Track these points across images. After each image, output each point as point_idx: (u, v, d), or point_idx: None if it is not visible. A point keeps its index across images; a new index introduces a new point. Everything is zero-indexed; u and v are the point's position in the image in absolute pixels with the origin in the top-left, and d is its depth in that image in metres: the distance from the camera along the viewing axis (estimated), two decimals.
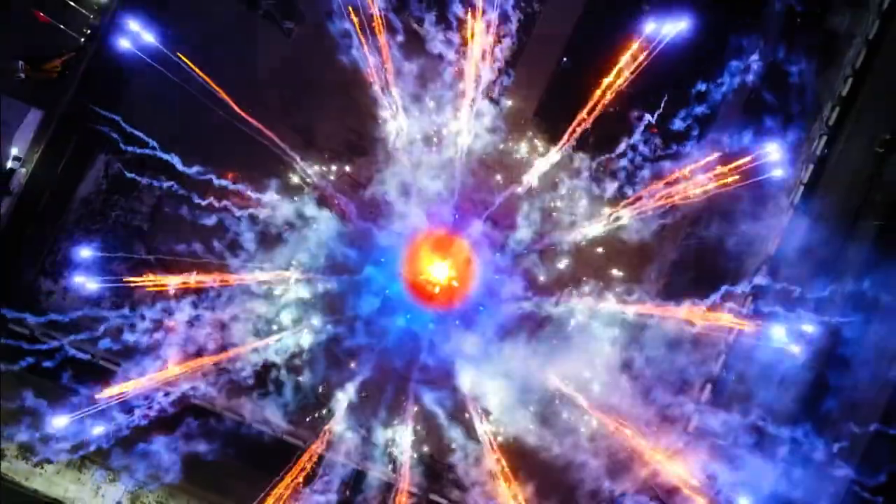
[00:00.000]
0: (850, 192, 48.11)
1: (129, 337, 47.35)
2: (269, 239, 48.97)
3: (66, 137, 50.33)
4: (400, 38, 48.03)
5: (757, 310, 46.50)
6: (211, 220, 48.60)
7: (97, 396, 44.87)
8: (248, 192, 48.69)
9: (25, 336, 47.39)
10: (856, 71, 47.85)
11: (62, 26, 49.25)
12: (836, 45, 48.48)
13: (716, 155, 46.13)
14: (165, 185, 48.92)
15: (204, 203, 48.54)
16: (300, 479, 47.25)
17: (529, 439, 47.65)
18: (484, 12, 46.18)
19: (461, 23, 47.44)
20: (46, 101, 50.20)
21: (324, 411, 48.49)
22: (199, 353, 47.44)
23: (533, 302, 48.68)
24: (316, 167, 49.75)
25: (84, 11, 49.17)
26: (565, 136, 48.04)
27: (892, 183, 48.29)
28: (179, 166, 48.31)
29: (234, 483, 47.90)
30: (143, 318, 47.51)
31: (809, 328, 44.49)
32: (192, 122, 48.49)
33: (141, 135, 48.70)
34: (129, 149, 48.85)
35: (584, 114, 47.17)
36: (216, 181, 48.56)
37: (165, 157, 48.42)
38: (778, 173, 45.70)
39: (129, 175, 49.52)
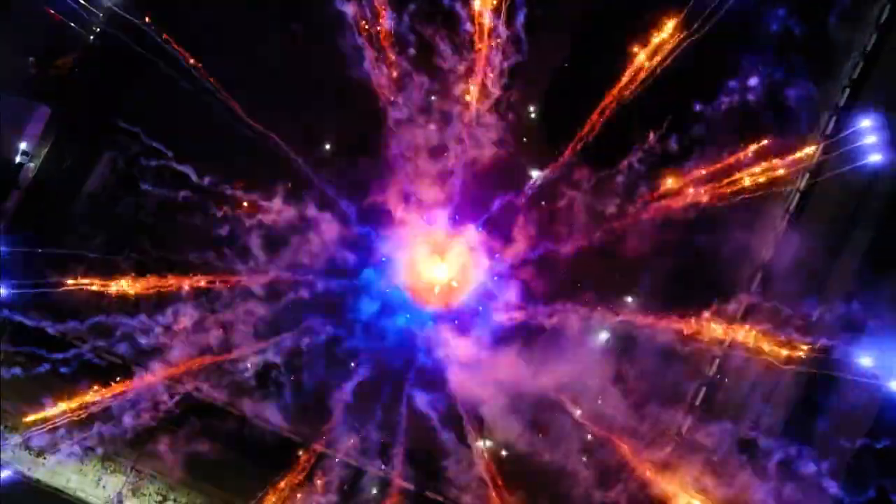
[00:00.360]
0: (846, 201, 48.07)
1: (133, 338, 47.89)
2: (271, 241, 49.30)
3: (73, 134, 51.07)
4: (404, 43, 48.36)
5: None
6: (212, 220, 49.10)
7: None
8: (257, 199, 49.26)
9: (34, 331, 47.91)
10: (853, 81, 47.99)
11: (73, 24, 49.79)
12: (835, 57, 48.35)
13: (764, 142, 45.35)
14: (181, 193, 49.37)
15: (213, 209, 49.09)
16: (299, 477, 47.87)
17: (520, 446, 47.91)
18: (491, 25, 46.69)
19: (467, 33, 47.78)
20: (56, 98, 50.89)
21: (322, 411, 48.71)
22: (202, 353, 47.96)
23: (528, 310, 48.89)
24: (318, 170, 49.92)
25: (94, 10, 49.72)
26: (566, 147, 48.42)
27: (887, 190, 48.33)
28: (193, 177, 48.89)
29: (235, 479, 48.48)
30: (150, 319, 47.86)
31: None
32: (195, 123, 49.12)
33: (160, 146, 49.33)
34: (149, 163, 49.52)
35: (585, 125, 47.56)
36: (228, 191, 49.14)
37: (181, 168, 48.96)
38: (876, 158, 43.46)
39: (134, 174, 50.20)
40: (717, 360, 47.84)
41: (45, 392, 46.32)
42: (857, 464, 45.73)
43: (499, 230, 49.87)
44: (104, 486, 48.82)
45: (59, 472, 48.52)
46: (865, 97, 47.43)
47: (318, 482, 48.12)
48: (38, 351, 47.34)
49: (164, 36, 47.27)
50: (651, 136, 47.32)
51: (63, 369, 47.10)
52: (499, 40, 47.05)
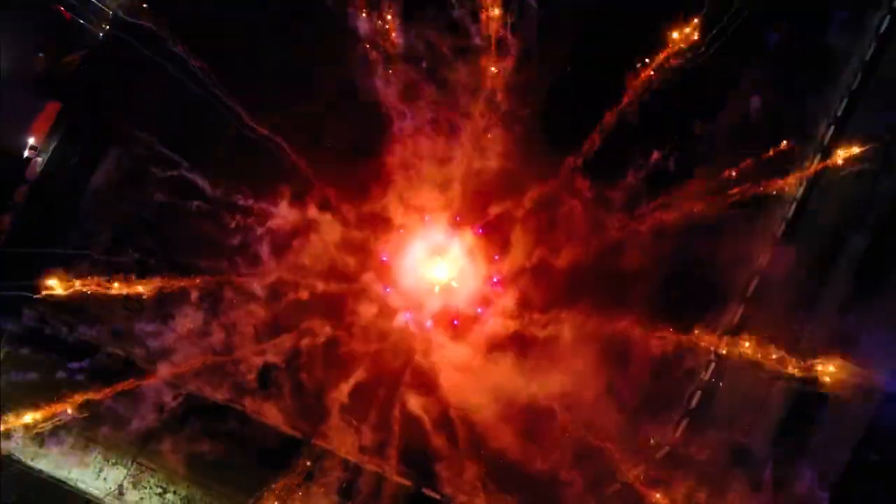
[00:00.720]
0: (842, 209, 47.86)
1: (142, 340, 48.92)
2: (275, 245, 49.75)
3: (80, 131, 51.55)
4: (411, 52, 48.78)
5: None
6: (218, 220, 49.55)
7: None
8: (266, 206, 49.69)
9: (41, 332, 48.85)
10: (852, 91, 47.69)
11: (82, 21, 50.18)
12: (833, 65, 48.17)
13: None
14: (194, 203, 49.78)
15: (225, 217, 49.61)
16: (299, 476, 48.53)
17: (513, 452, 47.87)
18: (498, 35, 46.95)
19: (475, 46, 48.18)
20: (63, 94, 51.35)
21: (321, 410, 49.13)
22: (202, 354, 48.61)
23: (524, 318, 49.02)
24: (319, 172, 50.11)
25: (104, 8, 50.09)
26: (568, 156, 48.51)
27: (885, 196, 48.11)
28: (208, 190, 49.39)
29: (235, 476, 49.14)
30: (161, 321, 48.78)
31: None
32: (199, 125, 49.67)
33: (168, 151, 49.70)
34: (164, 173, 49.86)
35: (587, 135, 47.73)
36: (240, 200, 49.65)
37: (192, 177, 49.45)
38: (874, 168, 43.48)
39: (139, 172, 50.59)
40: (713, 365, 47.66)
41: (49, 390, 46.87)
42: (849, 476, 45.55)
43: (498, 235, 50.06)
44: (105, 478, 49.57)
45: (61, 463, 49.33)
46: (864, 106, 47.32)
47: (317, 481, 48.72)
48: (50, 355, 48.50)
49: (173, 38, 47.67)
50: (655, 153, 47.40)
51: (78, 377, 48.31)
52: (504, 52, 47.25)
